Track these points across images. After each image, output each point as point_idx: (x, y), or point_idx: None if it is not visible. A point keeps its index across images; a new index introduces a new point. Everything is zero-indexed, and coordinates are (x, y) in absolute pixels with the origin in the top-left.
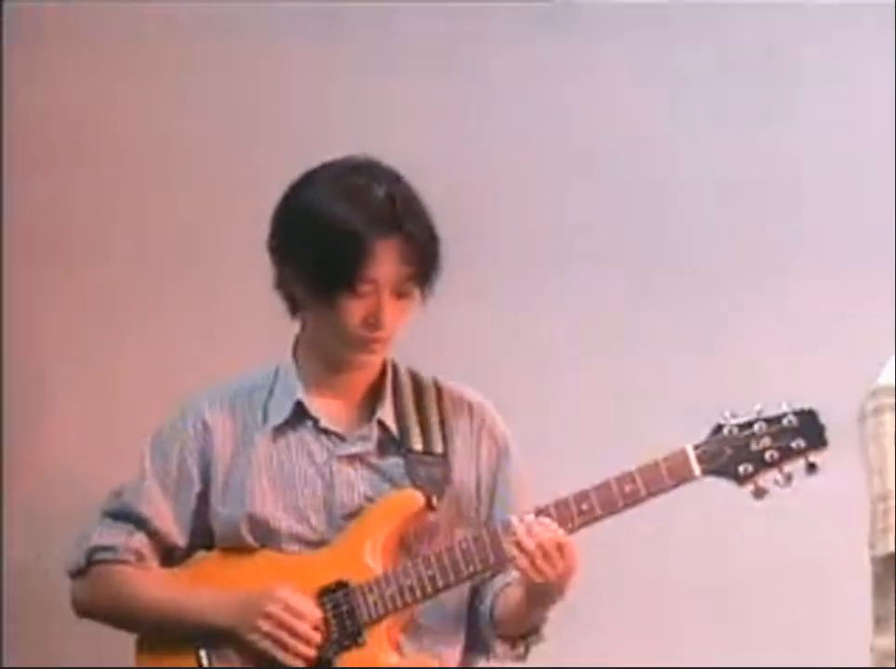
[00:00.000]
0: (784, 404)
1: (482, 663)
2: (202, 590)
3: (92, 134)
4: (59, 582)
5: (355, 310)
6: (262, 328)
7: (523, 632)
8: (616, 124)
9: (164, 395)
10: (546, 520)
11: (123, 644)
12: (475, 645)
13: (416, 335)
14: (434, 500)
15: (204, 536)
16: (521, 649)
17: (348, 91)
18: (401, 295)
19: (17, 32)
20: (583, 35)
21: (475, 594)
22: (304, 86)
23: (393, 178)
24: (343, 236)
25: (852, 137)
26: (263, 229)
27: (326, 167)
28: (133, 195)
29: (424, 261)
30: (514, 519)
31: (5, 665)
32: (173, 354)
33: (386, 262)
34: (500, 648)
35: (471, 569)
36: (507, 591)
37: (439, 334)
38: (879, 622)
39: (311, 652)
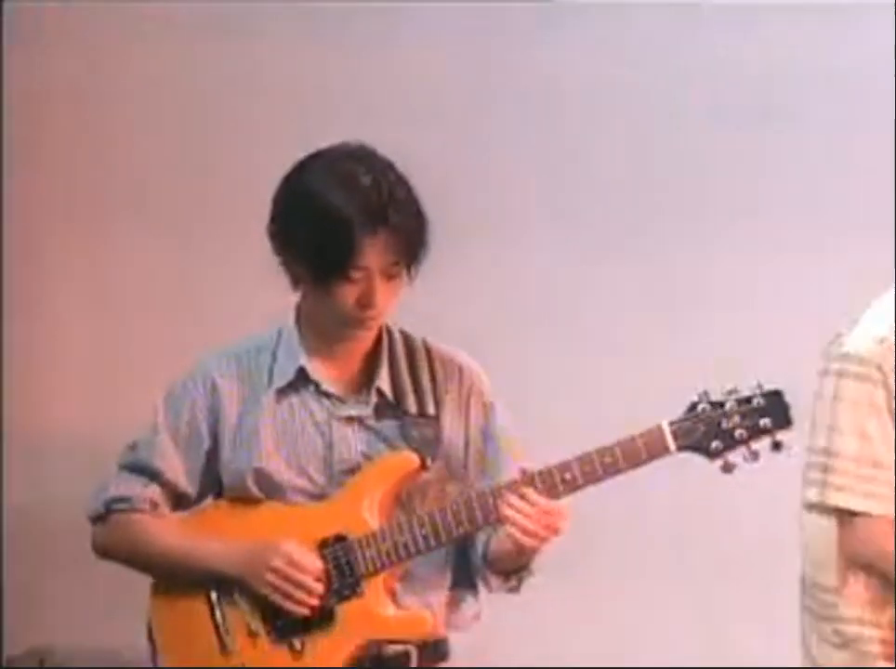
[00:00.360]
0: (754, 384)
1: (471, 599)
2: (211, 540)
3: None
4: (58, 521)
5: (349, 294)
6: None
7: (515, 569)
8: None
9: (163, 342)
10: (531, 491)
11: (120, 582)
12: (460, 584)
13: None
14: (428, 461)
15: (212, 487)
16: (514, 582)
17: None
18: (390, 277)
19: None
20: None
21: (466, 538)
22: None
23: (383, 167)
24: (335, 229)
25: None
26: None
27: (321, 156)
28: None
29: (410, 247)
30: (504, 488)
31: (5, 609)
32: (173, 298)
33: (375, 252)
34: (494, 582)
35: (461, 529)
36: (498, 537)
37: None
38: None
39: (314, 601)
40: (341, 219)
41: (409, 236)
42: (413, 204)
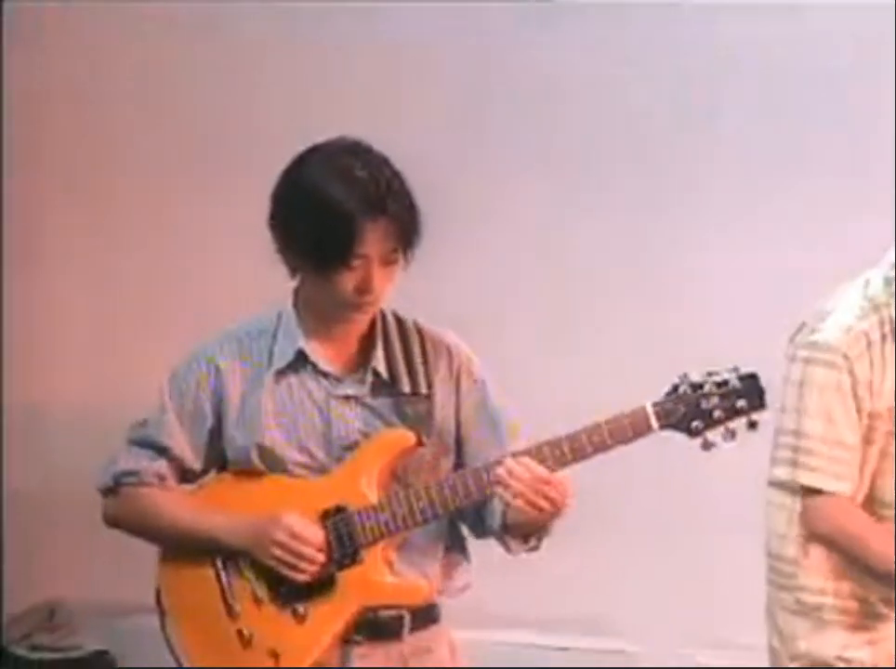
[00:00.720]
0: (731, 368)
1: (462, 569)
2: (217, 513)
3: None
4: (57, 486)
5: (348, 281)
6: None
7: (533, 532)
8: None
9: (161, 318)
10: (527, 459)
11: (118, 545)
12: (454, 554)
13: None
14: (424, 437)
15: (217, 461)
16: (534, 543)
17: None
18: (387, 263)
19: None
20: None
21: (481, 506)
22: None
23: (378, 161)
24: (335, 220)
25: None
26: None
27: (318, 151)
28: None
29: (406, 235)
30: (498, 462)
31: (6, 571)
32: (173, 278)
33: (373, 240)
34: (514, 545)
35: (456, 503)
36: (513, 506)
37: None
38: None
39: (314, 568)
40: (342, 211)
41: (406, 224)
42: (407, 196)
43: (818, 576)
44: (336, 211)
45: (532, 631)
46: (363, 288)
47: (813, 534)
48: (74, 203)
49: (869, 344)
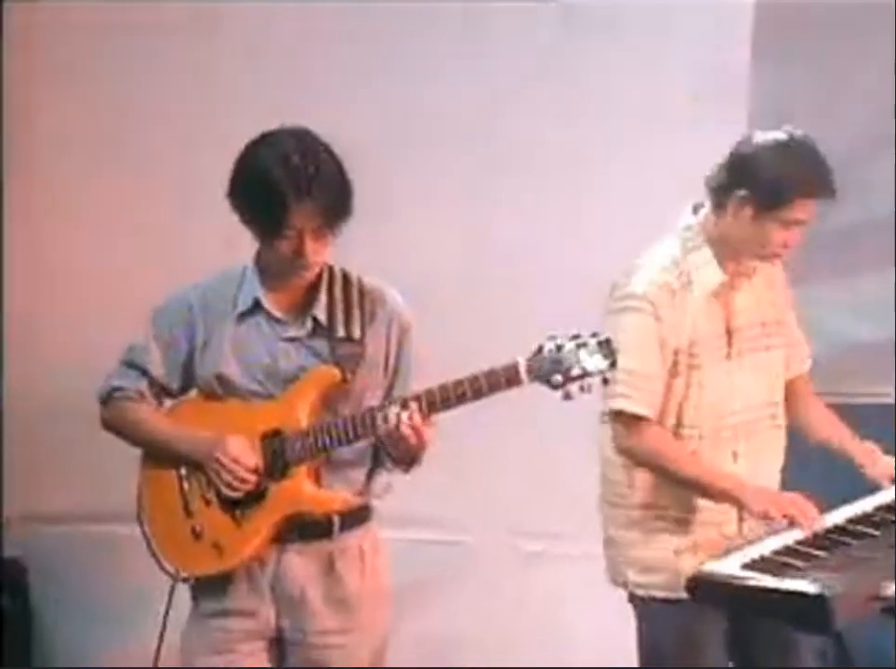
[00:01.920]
0: (590, 332)
1: (383, 476)
2: (184, 428)
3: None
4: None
5: (285, 248)
6: None
7: (408, 460)
8: None
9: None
10: (414, 407)
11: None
12: (377, 465)
13: None
14: (349, 375)
15: (190, 384)
16: (406, 467)
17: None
18: (317, 236)
19: None
20: None
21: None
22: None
23: (315, 147)
24: (270, 198)
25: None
26: None
27: (266, 139)
28: None
29: (329, 215)
30: (390, 403)
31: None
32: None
33: (301, 217)
34: (390, 466)
35: (361, 434)
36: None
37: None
38: None
39: (247, 486)
40: (276, 191)
41: (330, 205)
42: (336, 181)
43: (643, 494)
44: (272, 191)
45: (385, 527)
46: (297, 255)
47: (629, 457)
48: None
49: (671, 292)
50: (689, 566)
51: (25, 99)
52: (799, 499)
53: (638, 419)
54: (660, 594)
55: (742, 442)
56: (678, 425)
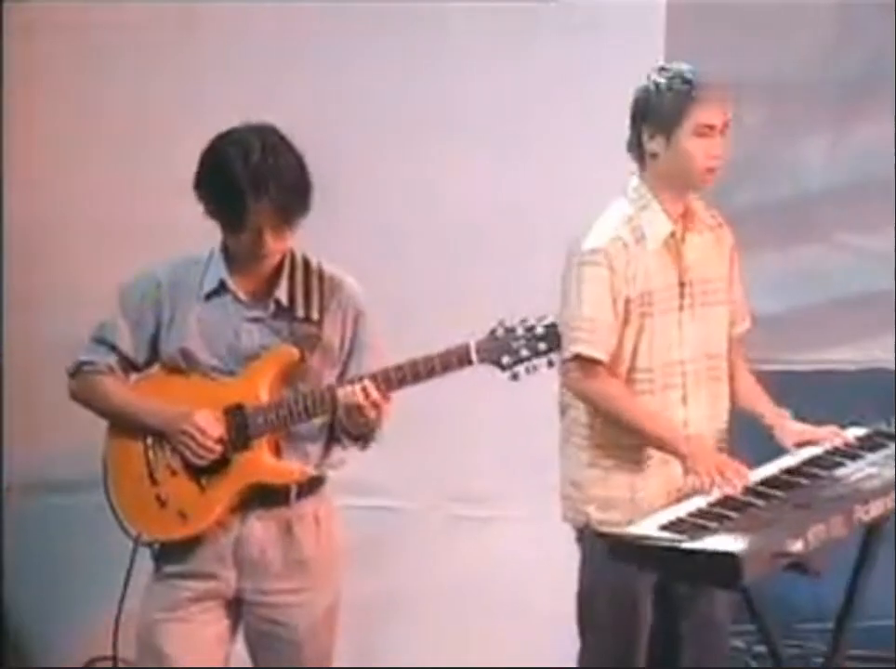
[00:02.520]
0: (538, 317)
1: (338, 450)
2: (150, 401)
3: None
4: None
5: (245, 240)
6: None
7: (362, 437)
8: None
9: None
10: (371, 386)
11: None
12: (332, 439)
13: None
14: (307, 354)
15: (155, 359)
16: (361, 443)
17: None
18: (276, 229)
19: None
20: None
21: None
22: None
23: (279, 148)
24: (230, 195)
25: None
26: None
27: (228, 135)
28: None
29: (286, 212)
30: (349, 382)
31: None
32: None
33: (260, 212)
34: (347, 443)
35: (319, 411)
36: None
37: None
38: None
39: (212, 455)
40: (236, 188)
41: (286, 203)
42: (297, 177)
43: (603, 435)
44: (231, 189)
45: (338, 494)
46: (257, 246)
47: (578, 395)
48: None
49: (625, 245)
50: (645, 505)
51: (25, 99)
52: (732, 462)
53: (593, 363)
54: (617, 530)
55: (690, 388)
56: (632, 369)
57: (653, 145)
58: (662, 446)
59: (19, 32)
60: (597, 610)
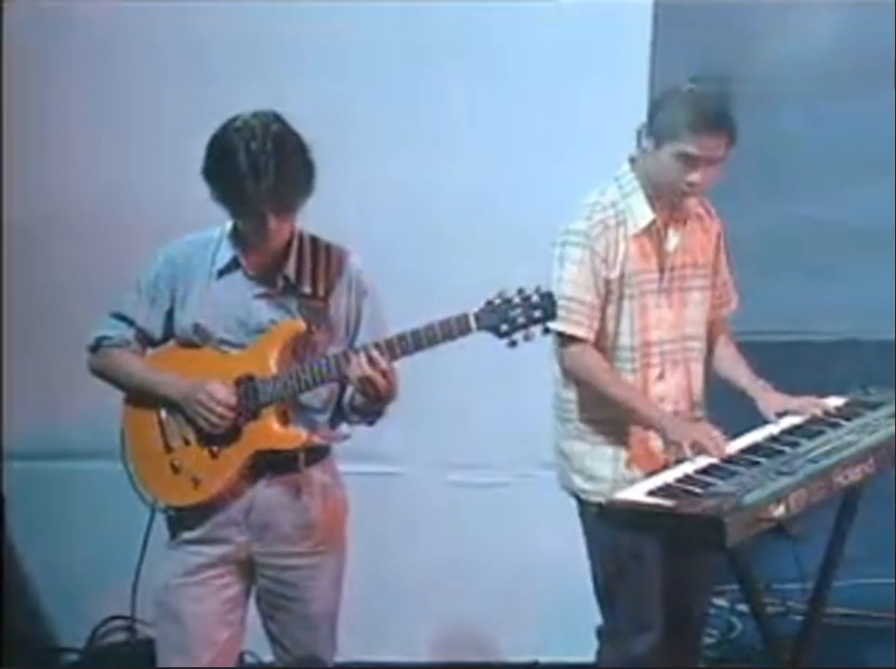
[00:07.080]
0: (535, 287)
1: (343, 425)
2: (165, 373)
3: None
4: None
5: (249, 226)
6: None
7: (371, 412)
8: None
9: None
10: (376, 354)
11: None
12: (338, 413)
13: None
14: (314, 328)
15: (170, 334)
16: (370, 419)
17: None
18: (279, 217)
19: None
20: None
21: (343, 389)
22: None
23: (282, 136)
24: (233, 182)
25: None
26: None
27: (237, 120)
28: None
29: (290, 196)
30: (355, 351)
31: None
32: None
33: (263, 202)
34: (355, 419)
35: (327, 378)
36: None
37: None
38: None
39: (225, 423)
40: (237, 176)
41: (286, 189)
42: (299, 164)
43: (589, 409)
44: (234, 176)
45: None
46: (261, 231)
47: (565, 370)
48: None
49: (606, 228)
50: (628, 476)
51: (26, 98)
52: (710, 431)
53: (576, 340)
54: (603, 500)
55: (668, 366)
56: (614, 347)
57: (647, 142)
58: (641, 420)
59: (19, 29)
60: (609, 575)
